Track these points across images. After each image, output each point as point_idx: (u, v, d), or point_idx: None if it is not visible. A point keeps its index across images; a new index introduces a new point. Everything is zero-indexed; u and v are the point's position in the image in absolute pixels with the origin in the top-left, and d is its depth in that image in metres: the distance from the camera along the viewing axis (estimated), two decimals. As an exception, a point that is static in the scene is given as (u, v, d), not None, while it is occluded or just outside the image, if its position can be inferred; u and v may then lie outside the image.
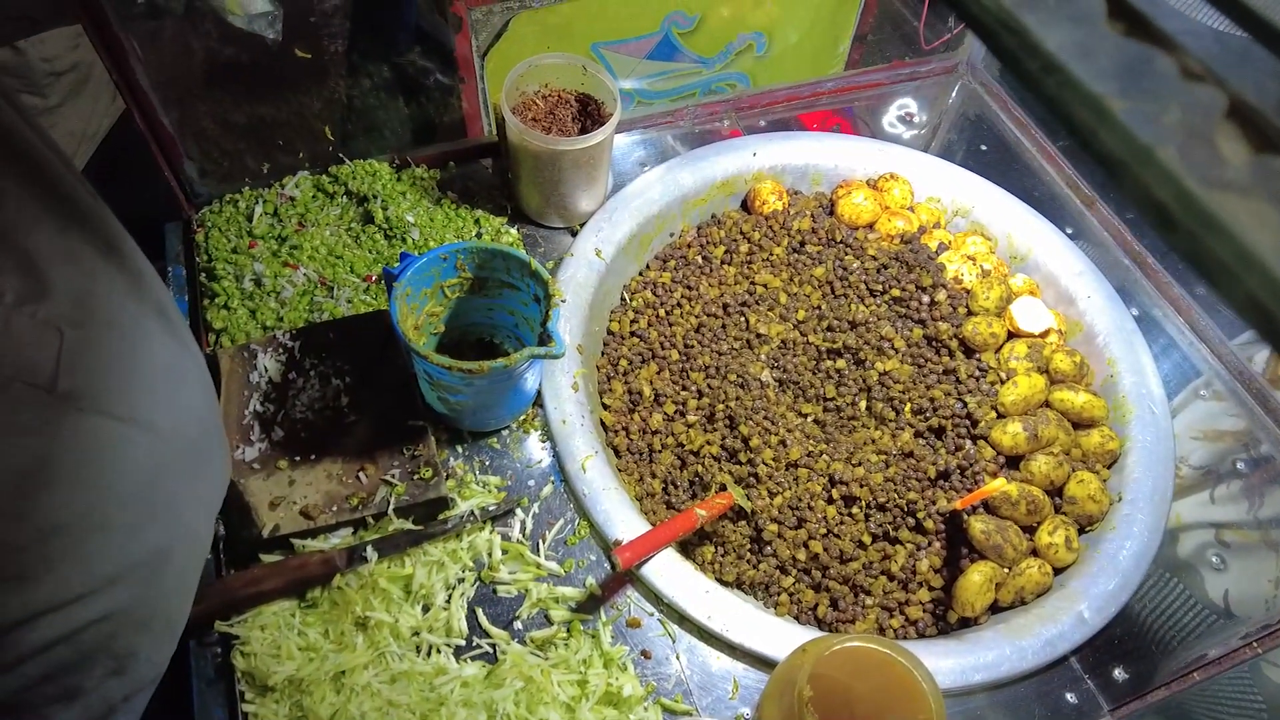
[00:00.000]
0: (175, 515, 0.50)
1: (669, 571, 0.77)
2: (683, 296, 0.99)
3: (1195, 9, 0.22)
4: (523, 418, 0.86)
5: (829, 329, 0.97)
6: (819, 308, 0.99)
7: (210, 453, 0.57)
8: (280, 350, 0.82)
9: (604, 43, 1.20)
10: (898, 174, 1.07)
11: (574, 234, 0.99)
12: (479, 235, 0.97)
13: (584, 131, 0.94)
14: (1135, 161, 0.18)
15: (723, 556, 0.85)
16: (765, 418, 0.90)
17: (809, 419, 0.94)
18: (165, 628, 0.51)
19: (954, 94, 1.22)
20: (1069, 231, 1.04)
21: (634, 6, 1.16)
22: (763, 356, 0.96)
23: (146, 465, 0.46)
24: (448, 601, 0.74)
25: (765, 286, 1.00)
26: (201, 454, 0.54)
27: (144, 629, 0.48)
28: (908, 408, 0.92)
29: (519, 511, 0.80)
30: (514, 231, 0.98)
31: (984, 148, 1.16)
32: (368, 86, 1.21)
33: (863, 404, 0.94)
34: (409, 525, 0.76)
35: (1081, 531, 0.85)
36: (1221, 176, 0.18)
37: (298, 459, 0.77)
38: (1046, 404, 0.90)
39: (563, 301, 0.90)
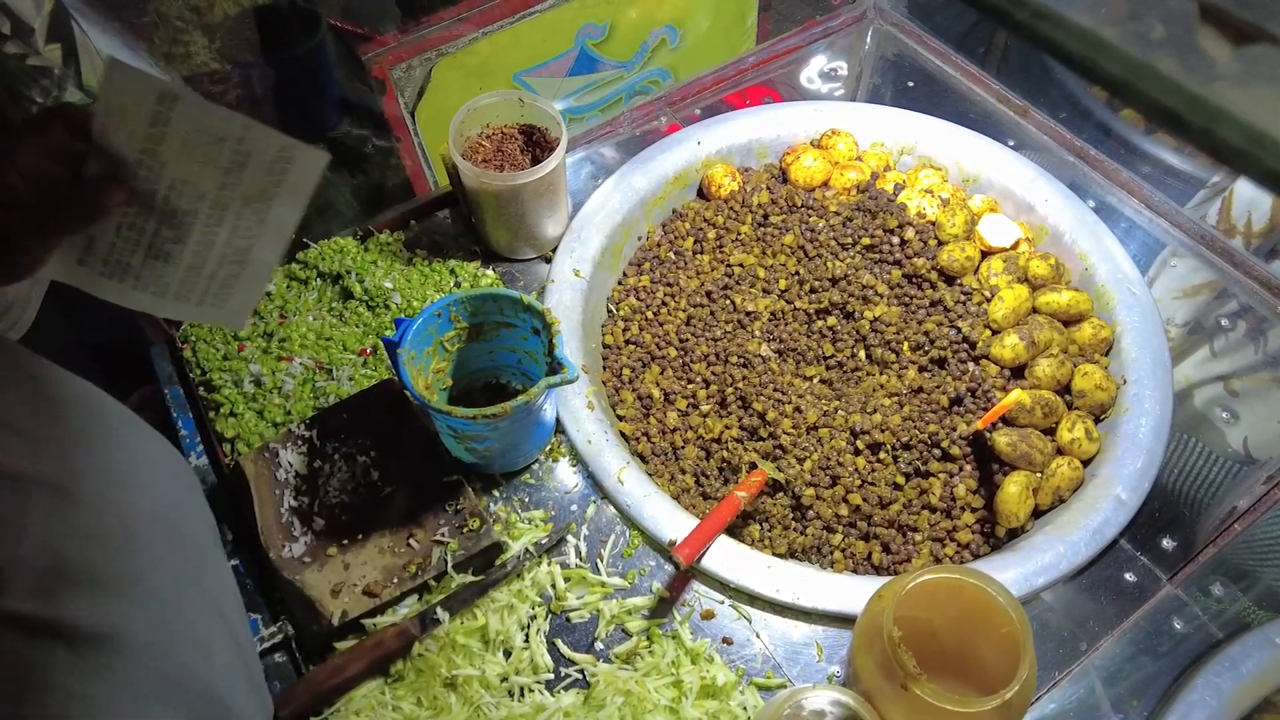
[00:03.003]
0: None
1: (727, 557, 0.79)
2: (665, 295, 1.02)
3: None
4: (548, 448, 0.87)
5: (812, 291, 1.00)
6: (797, 273, 1.02)
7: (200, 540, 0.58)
8: (299, 442, 0.83)
9: (525, 70, 1.22)
10: (838, 129, 1.10)
11: (548, 261, 1.01)
12: (457, 284, 0.98)
13: (535, 161, 0.96)
14: (1138, 78, 0.20)
15: (770, 531, 0.87)
16: (774, 389, 0.92)
17: (815, 380, 0.96)
18: None
19: (869, 40, 1.26)
20: (1011, 144, 1.08)
21: (545, 29, 1.18)
22: (757, 332, 0.98)
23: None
24: (526, 641, 0.75)
25: (741, 266, 1.03)
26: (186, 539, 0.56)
27: None
28: (905, 346, 0.95)
29: (570, 538, 0.81)
30: (490, 272, 1.00)
31: (910, 84, 1.19)
32: (310, 168, 1.21)
33: (862, 353, 0.97)
34: (470, 578, 0.77)
35: (1097, 421, 0.89)
36: (1215, 73, 0.21)
37: (345, 542, 0.77)
38: (1034, 310, 0.93)
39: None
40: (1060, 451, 0.86)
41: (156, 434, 0.64)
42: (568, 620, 0.77)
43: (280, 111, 1.21)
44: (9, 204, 0.52)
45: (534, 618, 0.76)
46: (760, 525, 0.87)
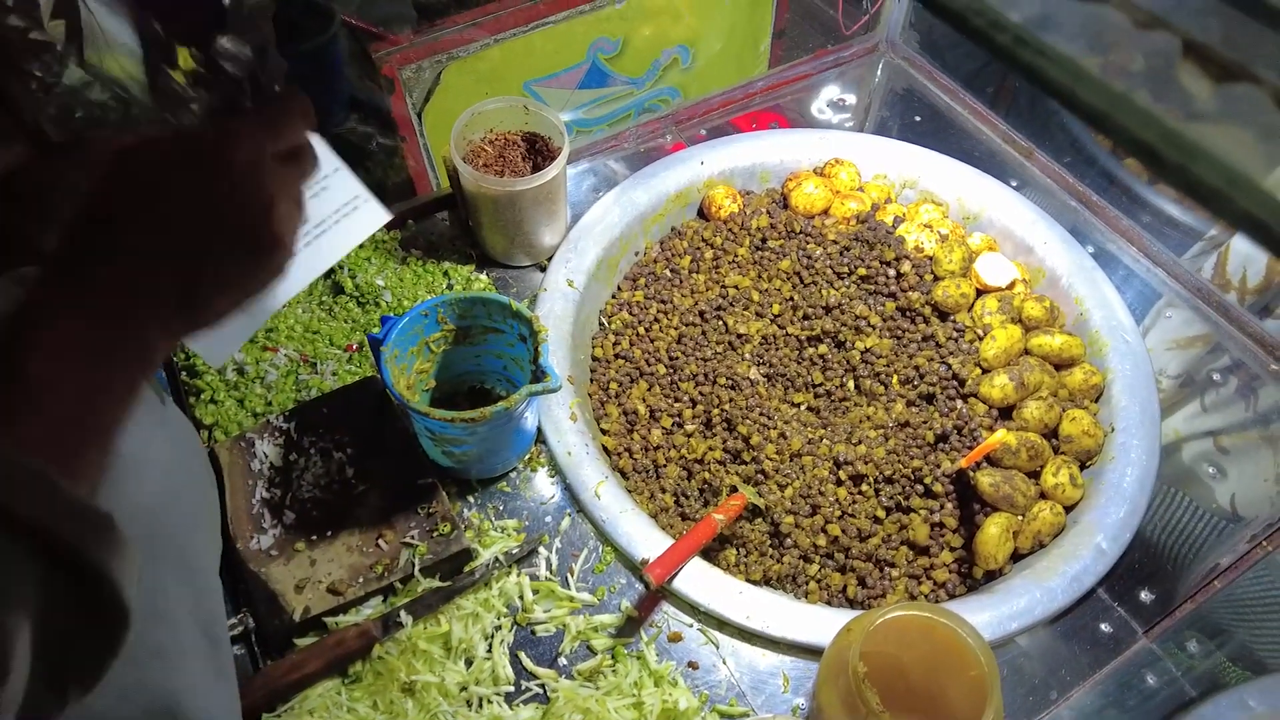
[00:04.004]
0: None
1: (699, 580, 0.78)
2: (659, 311, 1.01)
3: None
4: (527, 457, 0.86)
5: (805, 318, 0.99)
6: (791, 299, 1.01)
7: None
8: (277, 434, 0.82)
9: (535, 80, 1.22)
10: (842, 158, 1.10)
11: (542, 269, 1.01)
12: (449, 287, 0.98)
13: (536, 169, 0.96)
14: (1116, 110, 0.20)
15: (746, 557, 0.86)
16: (761, 414, 0.92)
17: (802, 408, 0.96)
18: None
19: (879, 72, 1.26)
20: (1014, 184, 1.08)
21: (559, 40, 1.18)
22: (747, 355, 0.98)
23: None
24: (489, 651, 0.74)
25: (736, 288, 1.02)
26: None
27: None
28: (895, 379, 0.94)
29: (542, 549, 0.80)
30: (484, 277, 0.99)
31: (917, 119, 1.19)
32: (312, 161, 1.21)
33: (851, 384, 0.96)
34: (437, 583, 0.76)
35: (1083, 467, 0.88)
36: (1192, 110, 0.20)
37: (314, 538, 0.76)
38: (1026, 352, 0.93)
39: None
40: (1043, 496, 0.85)
41: (173, 417, 0.60)
42: (533, 633, 0.76)
43: (287, 103, 1.21)
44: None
45: (499, 628, 0.75)
46: (737, 550, 0.86)
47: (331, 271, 0.97)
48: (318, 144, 0.55)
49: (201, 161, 0.42)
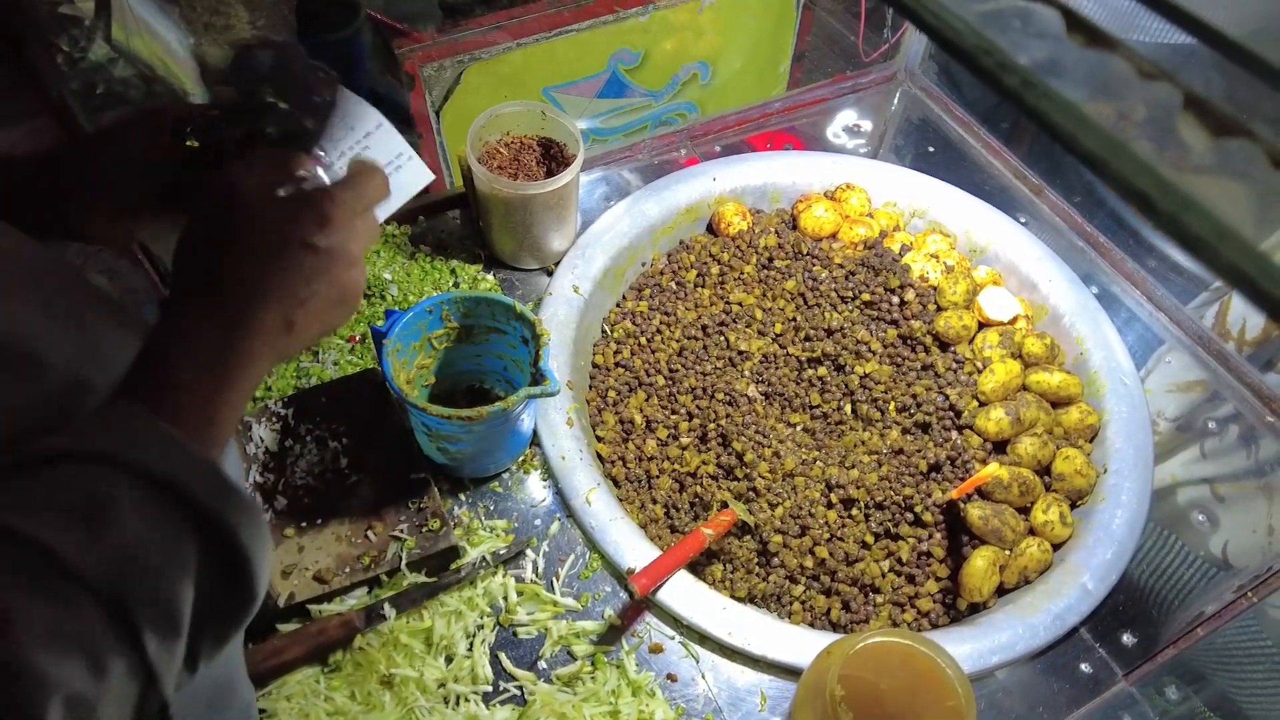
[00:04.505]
0: None
1: (684, 593, 0.78)
2: (661, 323, 1.02)
3: (1141, 19, 0.25)
4: (521, 459, 0.87)
5: (807, 339, 1.00)
6: (794, 319, 1.02)
7: None
8: (274, 419, 0.82)
9: (555, 86, 1.23)
10: (853, 183, 1.11)
11: (549, 274, 1.01)
12: (456, 285, 0.98)
13: (550, 174, 0.97)
14: (1114, 157, 0.21)
15: (732, 573, 0.86)
16: (756, 431, 0.92)
17: (798, 428, 0.96)
18: None
19: (896, 101, 1.27)
20: (1022, 220, 1.08)
21: (581, 49, 1.20)
22: (746, 372, 0.98)
23: None
24: (470, 649, 0.74)
25: (740, 305, 1.03)
26: None
27: None
28: (892, 406, 0.95)
29: (529, 552, 0.81)
30: (490, 278, 1.00)
31: (931, 149, 1.20)
32: (329, 152, 1.22)
33: (848, 408, 0.97)
34: (423, 578, 0.76)
35: (1073, 506, 0.88)
36: (1189, 161, 0.21)
37: (304, 525, 0.77)
38: (1024, 388, 0.93)
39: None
40: (1032, 532, 0.85)
41: None
42: (514, 635, 0.76)
43: (308, 93, 1.21)
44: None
45: (481, 627, 0.75)
46: (724, 566, 0.86)
47: (340, 262, 0.97)
48: (356, 100, 0.55)
49: (337, 227, 0.47)
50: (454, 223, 1.05)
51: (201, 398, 0.43)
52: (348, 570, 0.75)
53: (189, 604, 0.40)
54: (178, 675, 0.40)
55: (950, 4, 0.25)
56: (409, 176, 0.57)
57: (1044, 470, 0.89)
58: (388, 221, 1.03)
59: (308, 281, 0.46)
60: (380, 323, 0.79)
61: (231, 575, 0.42)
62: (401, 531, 0.77)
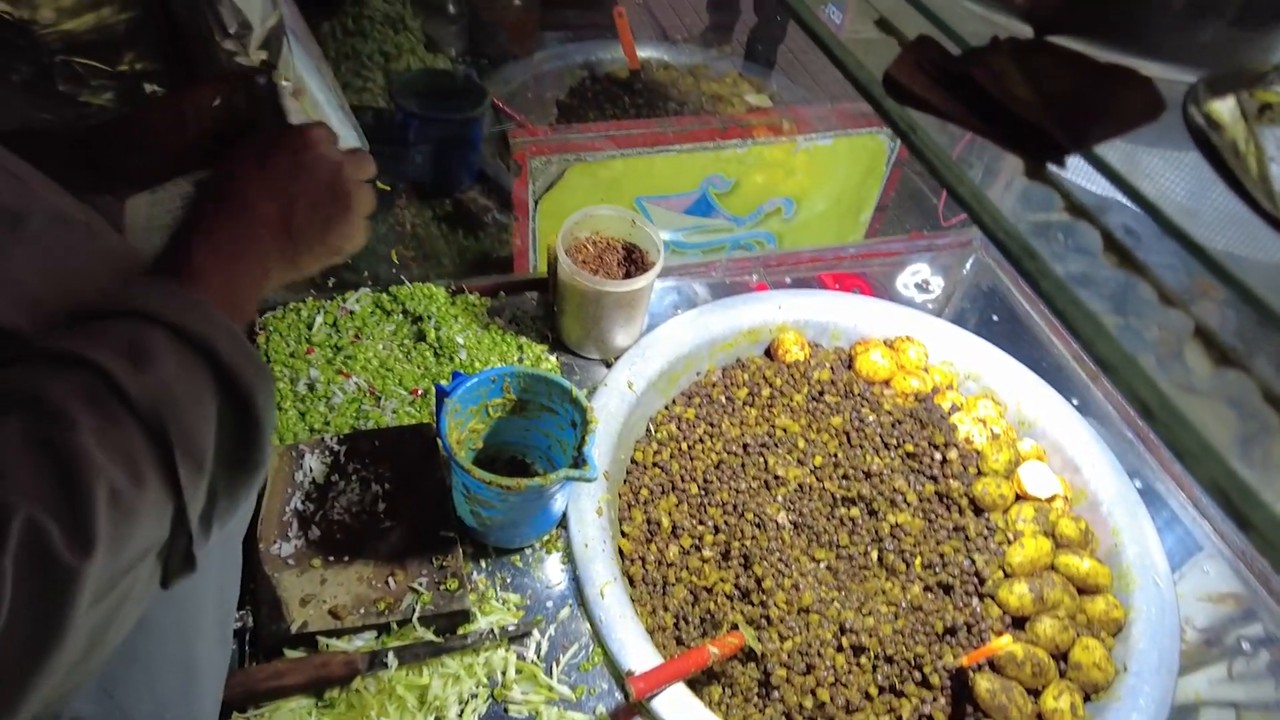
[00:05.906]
0: None
1: (679, 707, 0.78)
2: (705, 433, 1.04)
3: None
4: (547, 538, 0.89)
5: (844, 477, 1.01)
6: (835, 455, 1.03)
7: None
8: (326, 453, 0.87)
9: (648, 196, 1.31)
10: (913, 336, 1.14)
11: (608, 366, 1.06)
12: (520, 359, 1.04)
13: (628, 276, 1.03)
14: (1123, 367, 0.24)
15: (730, 698, 0.85)
16: (779, 559, 0.93)
17: (822, 565, 0.96)
18: None
19: (968, 266, 1.32)
20: (1075, 402, 1.10)
21: (678, 167, 1.28)
22: (779, 498, 0.99)
23: None
24: (460, 716, 0.75)
25: (785, 430, 1.05)
26: None
27: None
28: (918, 561, 0.95)
29: (536, 632, 0.82)
30: (553, 359, 1.05)
31: (995, 318, 1.23)
32: (430, 218, 1.32)
33: (874, 554, 0.97)
34: (430, 635, 0.78)
35: (1087, 699, 0.86)
36: (1189, 383, 0.24)
37: (331, 559, 0.80)
38: (1052, 567, 0.93)
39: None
40: (1040, 717, 0.83)
41: None
42: (505, 710, 0.76)
43: (425, 164, 1.32)
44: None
45: (475, 696, 0.76)
46: (723, 689, 0.86)
47: (419, 319, 1.04)
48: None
49: (314, 148, 0.59)
50: (530, 303, 1.12)
51: (220, 277, 0.51)
52: (362, 611, 0.77)
53: (211, 448, 0.46)
54: (199, 521, 0.46)
55: (1007, 211, 0.29)
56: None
57: (1061, 655, 0.87)
58: (470, 290, 1.10)
59: (294, 176, 0.56)
60: (446, 381, 0.83)
61: (243, 432, 0.48)
62: (420, 585, 0.79)
